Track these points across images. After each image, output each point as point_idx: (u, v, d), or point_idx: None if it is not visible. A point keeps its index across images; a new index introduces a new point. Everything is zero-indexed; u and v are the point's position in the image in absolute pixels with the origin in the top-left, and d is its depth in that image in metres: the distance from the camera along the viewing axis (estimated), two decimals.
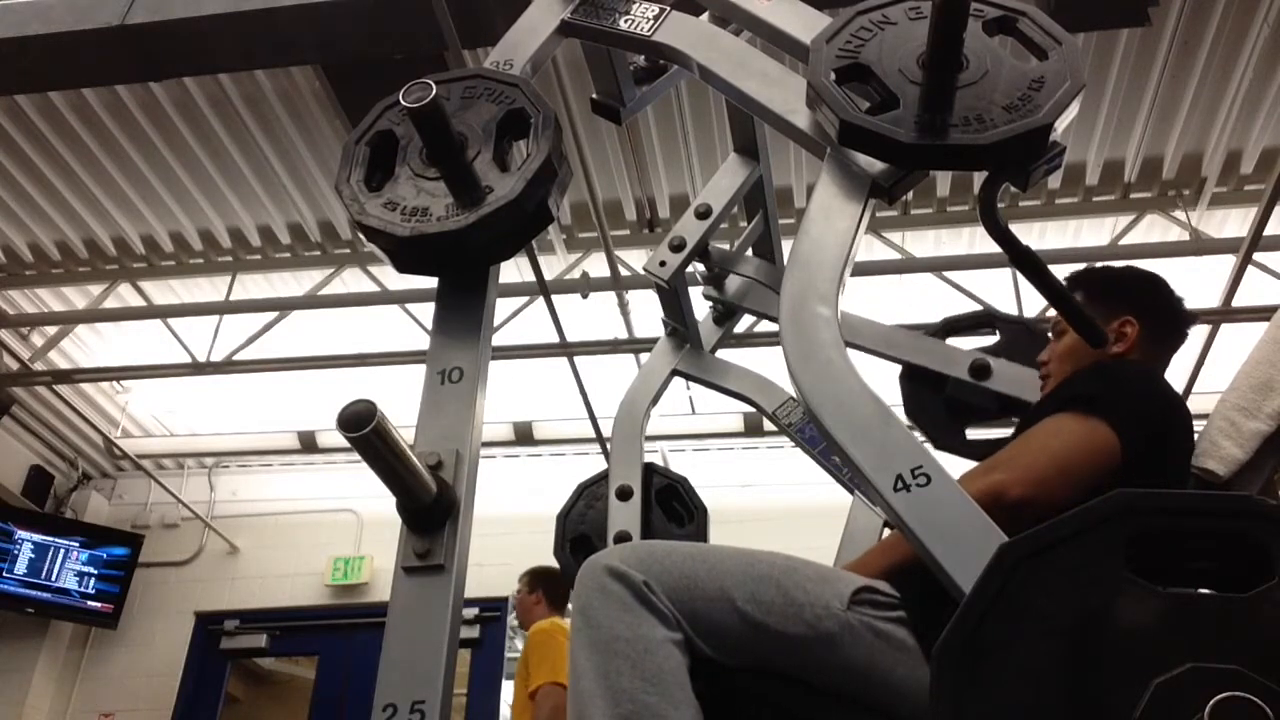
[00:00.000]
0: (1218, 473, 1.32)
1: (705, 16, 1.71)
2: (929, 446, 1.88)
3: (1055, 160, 1.19)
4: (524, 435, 6.18)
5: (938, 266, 4.78)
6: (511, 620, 5.74)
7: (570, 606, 1.25)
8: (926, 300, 4.78)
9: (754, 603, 1.21)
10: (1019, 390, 1.83)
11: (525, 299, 4.88)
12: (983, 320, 2.13)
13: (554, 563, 2.05)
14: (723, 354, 2.21)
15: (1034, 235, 4.77)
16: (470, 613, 5.50)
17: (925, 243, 4.87)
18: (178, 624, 6.23)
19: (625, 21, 1.56)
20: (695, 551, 1.28)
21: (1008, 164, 1.19)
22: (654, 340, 2.21)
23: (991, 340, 2.08)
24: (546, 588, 4.12)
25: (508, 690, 5.09)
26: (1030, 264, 1.27)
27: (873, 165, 1.27)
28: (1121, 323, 1.50)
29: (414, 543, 1.13)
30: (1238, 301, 4.30)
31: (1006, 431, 1.80)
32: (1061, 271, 4.16)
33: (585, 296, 4.68)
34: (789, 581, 1.23)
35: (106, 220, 4.85)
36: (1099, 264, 1.68)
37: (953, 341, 2.07)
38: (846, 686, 1.21)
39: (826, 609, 1.21)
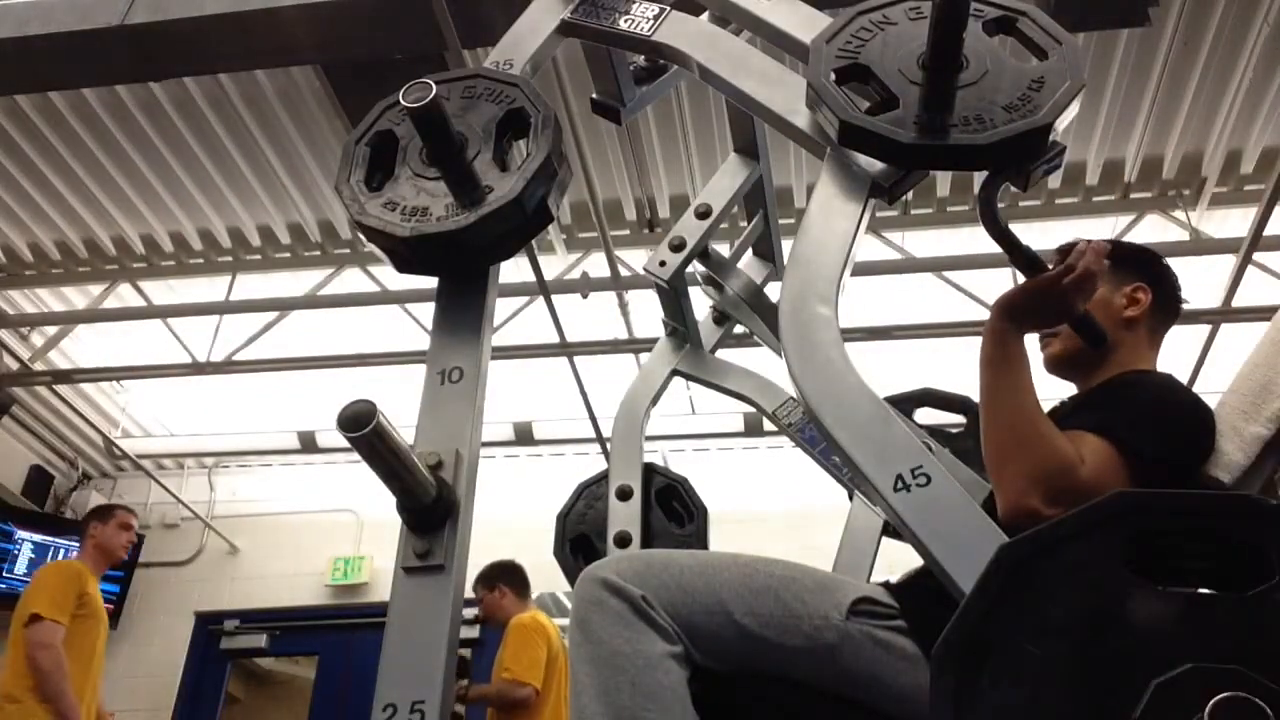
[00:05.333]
0: (1222, 479, 1.31)
1: (705, 16, 1.71)
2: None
3: (1055, 160, 1.19)
4: (524, 435, 6.18)
5: (938, 266, 4.78)
6: None
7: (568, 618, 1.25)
8: (926, 300, 4.79)
9: (752, 615, 1.20)
10: None
11: (525, 299, 4.89)
12: (957, 405, 2.15)
13: (551, 562, 2.05)
14: (723, 354, 2.21)
15: (1034, 235, 4.76)
16: (470, 613, 5.47)
17: (925, 243, 4.87)
18: (178, 624, 6.24)
19: (625, 21, 1.56)
20: (693, 563, 1.27)
21: (1008, 164, 1.19)
22: (654, 340, 2.21)
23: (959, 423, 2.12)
24: (506, 580, 4.15)
25: None
26: (1031, 264, 1.27)
27: (873, 165, 1.27)
28: (1135, 288, 1.51)
29: (414, 543, 1.12)
30: (1238, 301, 4.31)
31: None
32: None
33: (585, 296, 4.68)
34: (787, 593, 1.22)
35: (106, 220, 4.85)
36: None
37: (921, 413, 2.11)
38: (849, 693, 1.21)
39: (825, 620, 1.20)
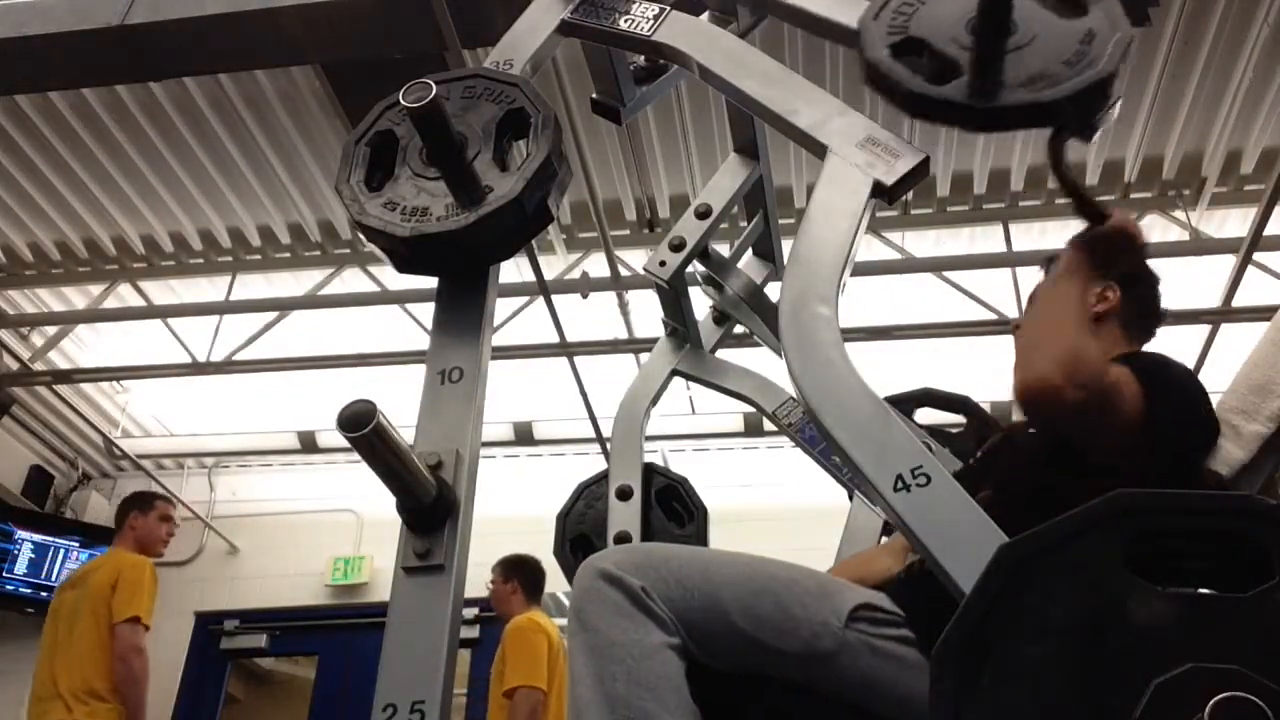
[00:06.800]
0: (1220, 473, 1.32)
1: (705, 16, 1.71)
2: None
3: (1112, 110, 1.23)
4: (524, 435, 6.18)
5: (938, 266, 4.78)
6: None
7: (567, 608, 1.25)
8: (926, 300, 4.79)
9: (749, 618, 1.19)
10: None
11: (525, 299, 4.88)
12: (957, 405, 2.17)
13: (551, 562, 2.05)
14: (723, 354, 2.21)
15: (1034, 235, 4.77)
16: (470, 613, 5.48)
17: (925, 243, 4.87)
18: (178, 624, 6.23)
19: (625, 21, 1.56)
20: (693, 559, 1.26)
21: (1078, 117, 1.23)
22: (654, 340, 2.21)
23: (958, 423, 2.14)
24: (522, 577, 4.13)
25: None
26: (1094, 216, 1.33)
27: (873, 166, 1.27)
28: (1104, 287, 1.50)
29: (414, 543, 1.13)
30: (1238, 301, 4.30)
31: None
32: None
33: (585, 296, 4.68)
34: (787, 596, 1.21)
35: (106, 220, 4.85)
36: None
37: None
38: (846, 697, 1.21)
39: (824, 626, 1.19)
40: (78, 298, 5.35)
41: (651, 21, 1.55)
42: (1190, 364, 4.58)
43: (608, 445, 2.25)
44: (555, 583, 3.76)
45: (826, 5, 1.45)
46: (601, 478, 2.03)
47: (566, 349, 4.80)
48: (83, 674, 3.50)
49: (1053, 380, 1.16)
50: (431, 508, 1.12)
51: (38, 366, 5.41)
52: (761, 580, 1.23)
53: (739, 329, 2.24)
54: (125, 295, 5.22)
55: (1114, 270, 1.52)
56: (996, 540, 0.94)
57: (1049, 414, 1.19)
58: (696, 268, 2.09)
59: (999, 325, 4.61)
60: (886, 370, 3.35)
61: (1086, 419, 1.19)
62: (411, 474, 1.09)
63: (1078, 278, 1.30)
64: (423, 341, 4.72)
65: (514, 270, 4.70)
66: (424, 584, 1.11)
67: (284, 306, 5.07)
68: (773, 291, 1.91)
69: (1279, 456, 1.33)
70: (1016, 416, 1.58)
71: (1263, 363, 1.36)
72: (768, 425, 2.94)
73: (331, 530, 6.25)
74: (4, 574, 5.84)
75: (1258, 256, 4.28)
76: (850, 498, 2.07)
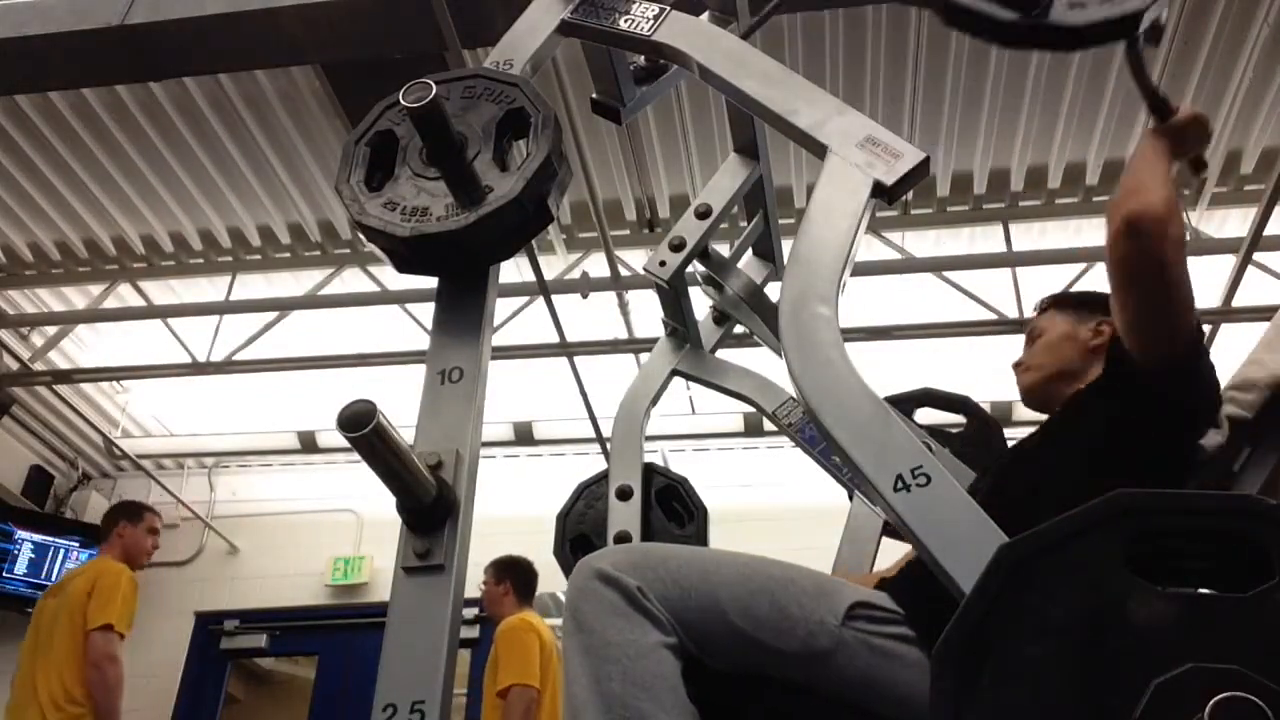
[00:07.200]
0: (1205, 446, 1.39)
1: (705, 16, 1.71)
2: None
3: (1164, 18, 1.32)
4: (524, 435, 6.18)
5: (938, 266, 4.78)
6: None
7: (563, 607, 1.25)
8: (926, 300, 4.79)
9: (747, 617, 1.19)
10: None
11: (525, 299, 4.88)
12: (957, 405, 2.18)
13: (551, 562, 2.05)
14: (723, 354, 2.21)
15: (1034, 235, 4.77)
16: (470, 613, 5.48)
17: (925, 243, 4.87)
18: (178, 624, 6.23)
19: (625, 21, 1.56)
20: (690, 559, 1.26)
21: (1148, 23, 1.28)
22: (654, 340, 2.21)
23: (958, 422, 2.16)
24: (514, 578, 4.13)
25: None
26: (1163, 111, 1.38)
27: (873, 166, 1.27)
28: (1100, 323, 1.58)
29: (414, 543, 1.13)
30: (1238, 301, 4.31)
31: None
32: (1062, 271, 4.17)
33: (585, 296, 4.68)
34: (784, 596, 1.21)
35: (106, 220, 4.85)
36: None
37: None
38: (846, 696, 1.21)
39: (821, 624, 1.19)
40: (78, 298, 5.35)
41: (651, 21, 1.55)
42: None
43: (608, 445, 2.25)
44: (555, 583, 3.76)
45: None
46: (601, 478, 2.03)
47: (566, 349, 4.80)
48: (60, 680, 3.51)
49: (1160, 212, 1.23)
50: (431, 508, 1.12)
51: (38, 366, 5.41)
52: (759, 580, 1.23)
53: (739, 329, 2.24)
54: (125, 295, 5.22)
55: (1102, 308, 1.58)
56: (996, 540, 0.94)
57: (1155, 241, 1.22)
58: (696, 268, 2.09)
59: (999, 325, 4.62)
60: (886, 370, 3.35)
61: (1177, 265, 1.24)
62: (411, 474, 1.09)
63: (1165, 161, 1.35)
64: (423, 341, 4.72)
65: (514, 270, 4.70)
66: (424, 584, 1.11)
67: (284, 306, 5.07)
68: (773, 291, 1.91)
69: (1265, 448, 1.40)
70: (1021, 406, 1.64)
71: (1255, 360, 1.44)
72: (768, 425, 2.94)
73: (331, 530, 6.25)
74: (4, 574, 5.84)
75: (1258, 256, 4.28)
76: (850, 498, 2.07)
